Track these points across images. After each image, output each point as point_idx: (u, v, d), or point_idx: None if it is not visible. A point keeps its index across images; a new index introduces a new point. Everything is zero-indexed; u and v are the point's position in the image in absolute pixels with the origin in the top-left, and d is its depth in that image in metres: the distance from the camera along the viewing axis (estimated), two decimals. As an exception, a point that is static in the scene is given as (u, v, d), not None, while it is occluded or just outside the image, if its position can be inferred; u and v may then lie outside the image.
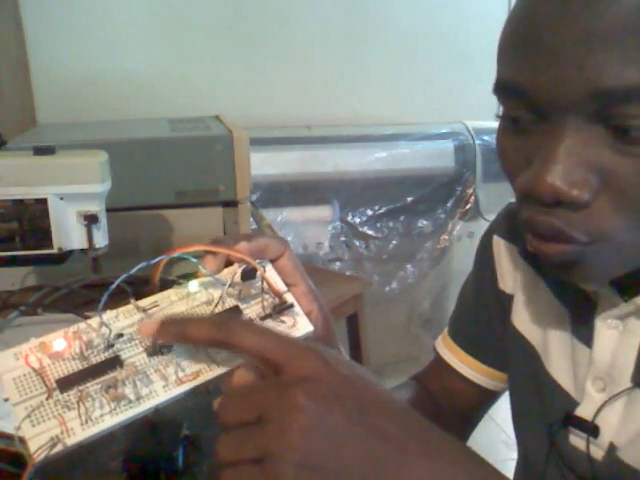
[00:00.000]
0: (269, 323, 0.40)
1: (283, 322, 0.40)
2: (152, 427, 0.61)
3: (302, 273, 0.44)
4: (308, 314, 0.42)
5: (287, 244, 0.44)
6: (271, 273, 0.42)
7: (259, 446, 0.32)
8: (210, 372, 0.37)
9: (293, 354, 0.34)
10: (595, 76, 0.35)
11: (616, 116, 0.36)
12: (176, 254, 0.38)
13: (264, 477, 0.31)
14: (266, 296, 0.41)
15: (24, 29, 1.87)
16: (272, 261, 0.43)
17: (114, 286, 0.35)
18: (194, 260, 0.39)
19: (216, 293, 0.40)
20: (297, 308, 0.41)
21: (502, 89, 0.41)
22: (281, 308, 0.41)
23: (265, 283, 0.41)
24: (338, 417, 0.32)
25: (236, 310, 0.40)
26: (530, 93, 0.38)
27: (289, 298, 0.42)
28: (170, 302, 0.39)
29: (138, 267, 0.37)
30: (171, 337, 0.36)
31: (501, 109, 0.43)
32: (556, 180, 0.37)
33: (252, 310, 0.41)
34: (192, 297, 0.40)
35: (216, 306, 0.39)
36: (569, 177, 0.37)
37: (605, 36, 0.34)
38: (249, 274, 0.41)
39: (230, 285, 0.40)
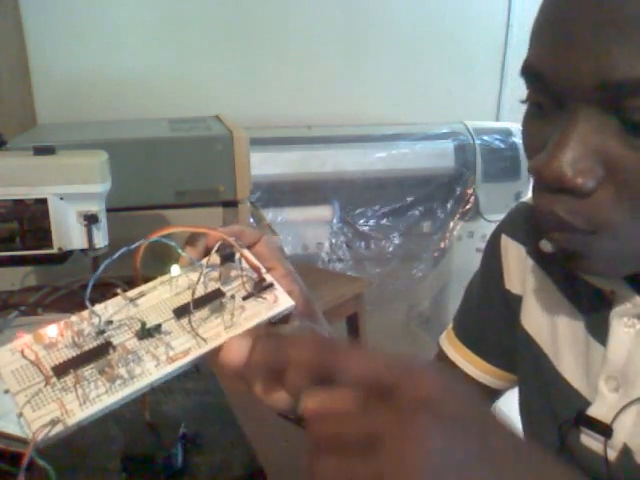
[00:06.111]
0: (251, 302, 0.41)
1: (265, 299, 0.41)
2: (150, 426, 0.61)
3: (279, 258, 0.45)
4: (289, 294, 0.43)
5: (263, 233, 0.45)
6: (248, 254, 0.43)
7: (376, 473, 0.29)
8: (199, 349, 0.38)
9: (408, 374, 0.32)
10: (607, 67, 0.35)
11: (627, 108, 0.36)
12: (155, 237, 0.39)
13: None
14: (245, 279, 0.42)
15: (24, 29, 1.87)
16: (248, 247, 0.44)
17: (101, 269, 0.37)
18: (173, 244, 0.40)
19: (197, 277, 0.41)
20: (277, 285, 0.43)
21: (527, 73, 0.41)
22: (261, 286, 0.42)
23: (244, 261, 0.42)
24: (460, 444, 0.30)
25: (218, 292, 0.41)
26: (549, 79, 0.39)
27: (268, 277, 0.43)
28: (154, 289, 0.41)
29: (119, 253, 0.38)
30: (268, 362, 0.35)
31: (527, 92, 0.44)
32: (562, 166, 0.38)
33: (233, 291, 0.42)
34: (175, 284, 0.41)
35: (197, 289, 0.40)
36: (576, 164, 0.38)
37: (621, 27, 0.34)
38: (228, 257, 0.42)
39: (210, 268, 0.41)
